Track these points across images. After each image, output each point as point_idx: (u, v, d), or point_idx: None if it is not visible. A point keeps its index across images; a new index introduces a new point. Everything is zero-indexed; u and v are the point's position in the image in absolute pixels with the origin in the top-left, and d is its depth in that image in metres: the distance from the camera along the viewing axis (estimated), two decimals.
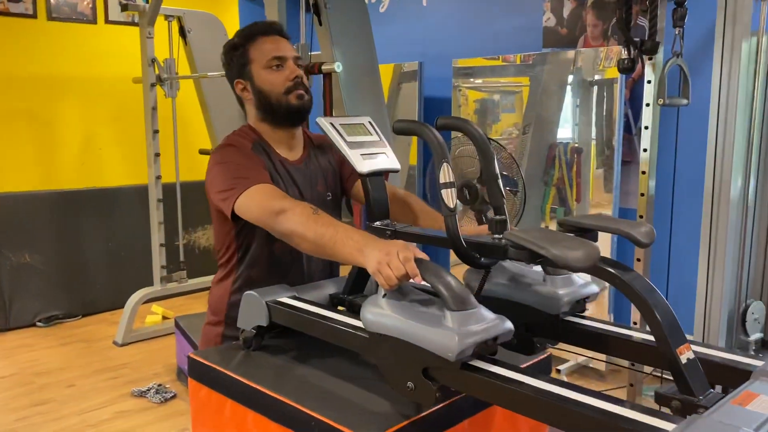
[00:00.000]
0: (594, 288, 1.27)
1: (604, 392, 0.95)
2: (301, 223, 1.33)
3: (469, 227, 1.47)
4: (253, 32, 1.64)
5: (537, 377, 0.99)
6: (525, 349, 1.24)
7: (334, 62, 2.77)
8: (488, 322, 1.03)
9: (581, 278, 1.27)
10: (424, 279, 1.08)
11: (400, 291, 1.11)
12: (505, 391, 0.97)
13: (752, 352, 2.33)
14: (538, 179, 3.69)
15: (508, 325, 1.05)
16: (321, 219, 1.33)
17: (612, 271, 1.00)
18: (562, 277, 1.22)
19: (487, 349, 1.03)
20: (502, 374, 1.00)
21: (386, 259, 1.12)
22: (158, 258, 4.29)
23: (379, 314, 1.09)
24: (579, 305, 1.24)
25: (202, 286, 4.41)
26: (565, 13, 3.65)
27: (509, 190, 2.66)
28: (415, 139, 4.38)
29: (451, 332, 0.99)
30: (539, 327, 1.23)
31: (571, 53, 3.58)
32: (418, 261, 1.10)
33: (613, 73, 3.35)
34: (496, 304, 1.23)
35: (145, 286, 4.31)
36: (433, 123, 1.30)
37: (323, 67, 2.77)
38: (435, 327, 1.01)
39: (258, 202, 1.44)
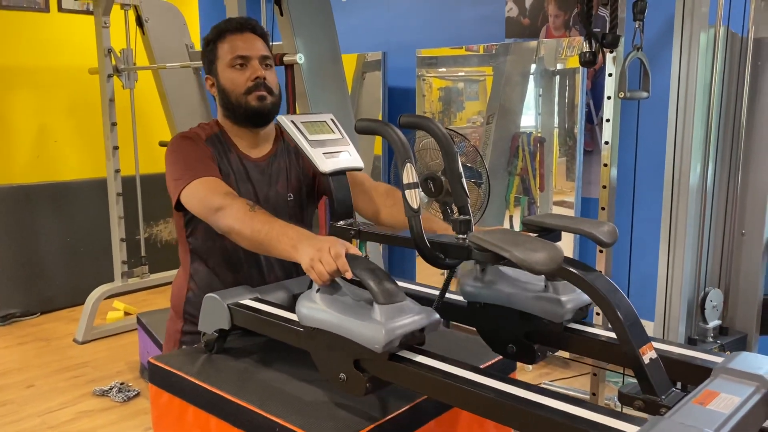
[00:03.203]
0: None
1: (567, 378, 0.95)
2: (238, 219, 1.35)
3: (441, 224, 1.46)
4: (225, 29, 1.62)
5: (469, 369, 1.01)
6: (526, 357, 1.23)
7: (296, 53, 2.73)
8: (415, 314, 1.07)
9: None
10: (354, 274, 1.11)
11: (332, 286, 1.15)
12: (432, 382, 1.00)
13: (710, 339, 2.38)
14: (502, 169, 3.71)
15: (435, 316, 1.10)
16: (257, 216, 1.34)
17: (574, 271, 1.00)
18: (563, 283, 1.19)
19: (414, 340, 1.07)
20: (429, 364, 1.03)
21: (318, 255, 1.15)
22: (119, 253, 4.21)
23: (313, 308, 1.13)
24: (582, 312, 1.21)
25: (164, 280, 4.34)
26: (528, 3, 3.66)
27: (473, 182, 2.66)
28: None
29: (379, 325, 1.03)
30: (541, 335, 1.21)
31: (533, 43, 3.59)
32: (349, 257, 1.13)
33: (574, 63, 3.37)
34: (497, 312, 1.23)
35: (106, 282, 4.23)
36: (397, 117, 1.29)
37: (285, 59, 2.72)
38: (363, 320, 1.05)
39: (199, 197, 1.45)
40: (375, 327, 1.03)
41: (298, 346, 1.21)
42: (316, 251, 1.15)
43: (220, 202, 1.40)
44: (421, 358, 1.05)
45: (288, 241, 1.24)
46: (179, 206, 1.51)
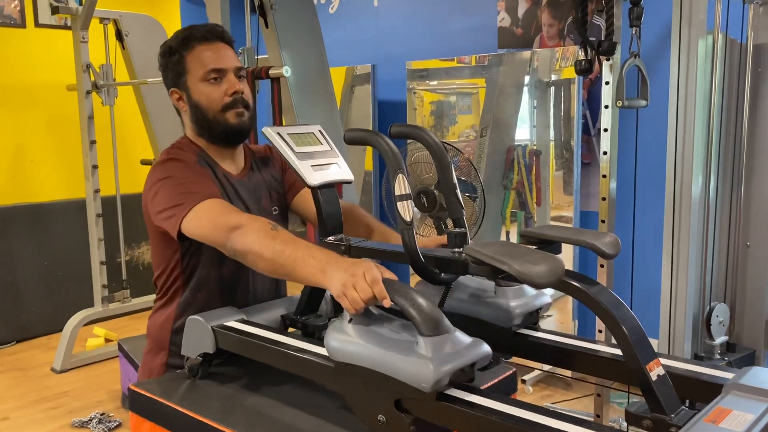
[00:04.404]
0: (546, 299, 1.28)
1: (570, 400, 0.94)
2: (257, 240, 1.26)
3: (429, 238, 1.45)
4: (191, 37, 1.56)
5: (520, 406, 0.96)
6: None
7: (283, 66, 2.73)
8: (464, 347, 0.99)
9: (533, 289, 1.27)
10: (393, 302, 1.03)
11: (366, 315, 1.07)
12: (486, 423, 0.94)
13: (717, 356, 2.37)
14: (497, 183, 3.71)
15: (486, 348, 1.02)
16: (280, 236, 1.26)
17: (576, 285, 0.98)
18: (513, 288, 1.22)
19: (464, 377, 1.00)
20: (482, 404, 0.97)
21: (351, 280, 1.06)
22: (99, 277, 4.16)
23: (346, 341, 1.05)
24: (532, 317, 1.25)
25: (147, 305, 4.29)
26: (520, 12, 3.69)
27: (468, 196, 2.66)
28: None
29: (425, 360, 0.95)
30: (492, 341, 1.19)
31: (527, 54, 3.61)
32: (386, 282, 1.06)
33: (570, 73, 3.39)
34: (448, 319, 1.22)
35: (85, 308, 4.17)
36: (387, 129, 1.28)
37: (271, 72, 2.72)
38: (407, 355, 0.97)
39: (210, 218, 1.36)
40: (422, 363, 0.95)
41: (325, 384, 1.15)
42: (350, 276, 1.07)
43: (236, 220, 1.32)
44: (474, 398, 0.98)
45: (315, 264, 1.16)
46: (180, 235, 1.41)
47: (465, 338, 1.01)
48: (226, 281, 1.56)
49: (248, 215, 1.37)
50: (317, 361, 1.13)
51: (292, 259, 1.20)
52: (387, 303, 1.04)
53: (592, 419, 2.64)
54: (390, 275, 1.08)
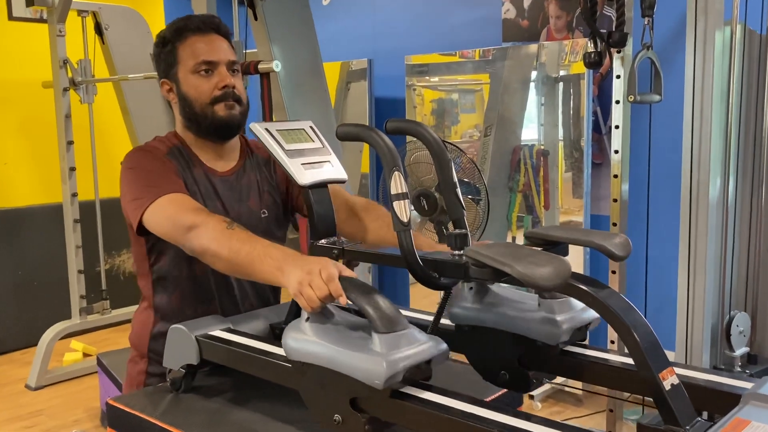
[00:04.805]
0: (594, 313, 1.20)
1: (581, 417, 0.93)
2: (214, 239, 1.31)
3: (427, 241, 1.45)
4: (185, 28, 1.59)
5: (477, 404, 0.98)
6: (519, 385, 1.21)
7: (273, 61, 2.73)
8: (420, 344, 1.03)
9: (580, 302, 1.21)
10: (349, 299, 1.08)
11: (324, 314, 1.11)
12: (441, 422, 0.96)
13: (738, 369, 2.37)
14: (502, 185, 3.72)
15: (443, 346, 1.05)
16: (236, 234, 1.31)
17: (584, 288, 0.99)
18: (559, 301, 1.17)
19: (420, 374, 1.03)
20: (437, 402, 0.99)
21: (307, 278, 1.11)
22: (76, 287, 4.16)
23: (302, 340, 1.09)
24: (580, 333, 1.20)
25: (128, 317, 4.29)
26: (526, 3, 3.70)
27: (471, 198, 2.66)
28: (367, 145, 4.35)
29: (378, 356, 0.98)
30: (536, 360, 1.20)
31: (533, 47, 3.62)
32: (343, 279, 1.10)
33: (579, 68, 3.40)
34: (485, 335, 1.22)
35: (62, 320, 4.17)
36: (383, 126, 1.28)
37: (260, 67, 2.73)
38: (361, 352, 1.01)
39: (167, 215, 1.42)
40: (374, 359, 0.98)
41: (284, 384, 1.17)
42: (306, 274, 1.12)
43: (192, 219, 1.36)
44: (428, 395, 1.00)
45: (272, 262, 1.21)
46: (141, 230, 1.47)
47: (421, 336, 1.05)
48: (199, 281, 1.57)
49: (206, 213, 1.40)
50: (277, 362, 1.17)
51: (249, 258, 1.25)
52: (343, 301, 1.08)
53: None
54: (349, 273, 1.12)
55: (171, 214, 1.41)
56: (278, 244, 1.30)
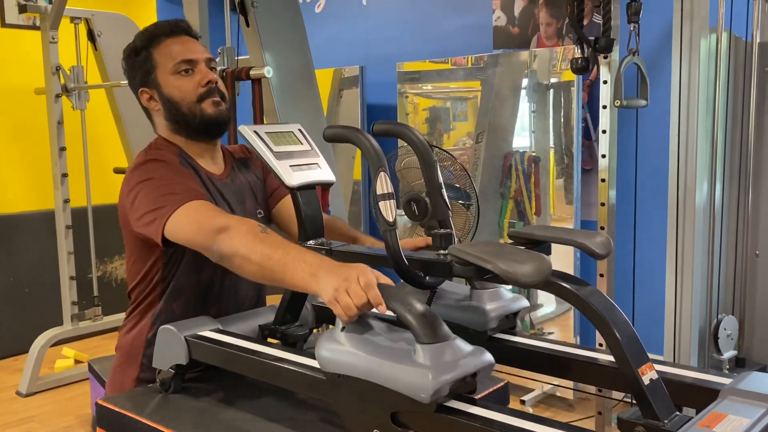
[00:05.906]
0: (524, 302, 1.32)
1: (572, 423, 0.95)
2: (245, 243, 1.26)
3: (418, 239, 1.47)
4: (156, 33, 1.59)
5: (525, 418, 0.96)
6: None
7: (264, 67, 2.75)
8: (465, 356, 0.99)
9: (509, 292, 1.32)
10: (389, 308, 1.03)
11: (361, 323, 1.07)
12: None
13: (726, 371, 2.39)
14: (493, 192, 3.74)
15: (488, 357, 1.01)
16: (269, 239, 1.26)
17: (566, 285, 1.01)
18: (489, 291, 1.26)
19: (465, 387, 0.99)
20: (485, 416, 0.96)
21: (344, 285, 1.06)
22: (68, 293, 4.14)
23: (338, 351, 1.05)
24: (509, 321, 1.28)
25: (119, 323, 4.26)
26: (516, 11, 3.73)
27: (462, 204, 2.68)
28: (359, 151, 4.36)
29: (424, 369, 0.94)
30: None
31: (524, 54, 3.65)
32: (381, 287, 1.05)
33: (569, 75, 3.43)
34: None
35: (54, 326, 4.15)
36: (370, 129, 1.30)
37: (252, 73, 2.74)
38: (404, 364, 0.97)
39: (194, 221, 1.36)
40: (420, 372, 0.94)
41: (314, 396, 1.14)
42: (342, 281, 1.07)
43: (224, 221, 1.32)
44: (475, 410, 0.97)
45: (306, 267, 1.15)
46: (165, 240, 1.40)
47: (466, 346, 1.01)
48: (202, 288, 1.57)
49: (236, 217, 1.38)
50: (307, 373, 1.12)
51: (281, 264, 1.20)
52: (382, 309, 1.04)
53: None
54: (386, 280, 1.08)
55: (198, 219, 1.36)
56: None
